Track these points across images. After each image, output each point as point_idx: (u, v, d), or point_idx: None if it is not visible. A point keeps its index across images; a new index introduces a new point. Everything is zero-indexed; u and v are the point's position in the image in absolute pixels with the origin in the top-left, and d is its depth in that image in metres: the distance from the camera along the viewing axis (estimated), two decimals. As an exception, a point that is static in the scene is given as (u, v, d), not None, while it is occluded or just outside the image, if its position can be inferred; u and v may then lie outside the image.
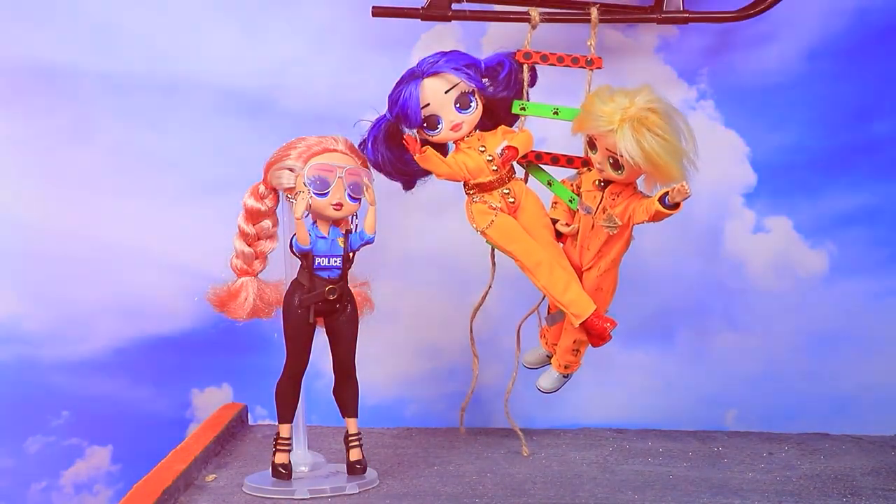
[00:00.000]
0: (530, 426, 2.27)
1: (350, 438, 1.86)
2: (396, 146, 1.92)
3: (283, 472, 1.84)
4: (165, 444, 2.04)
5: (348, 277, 1.84)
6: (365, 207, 1.83)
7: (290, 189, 1.80)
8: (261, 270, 1.91)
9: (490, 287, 2.06)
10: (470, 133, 1.90)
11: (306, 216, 1.78)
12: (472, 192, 1.92)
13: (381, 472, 1.91)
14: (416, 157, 1.87)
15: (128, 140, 2.36)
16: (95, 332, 2.38)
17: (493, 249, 2.02)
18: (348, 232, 1.83)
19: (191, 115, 2.36)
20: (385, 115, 1.91)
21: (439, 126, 1.88)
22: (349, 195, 1.80)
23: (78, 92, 2.34)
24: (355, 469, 1.85)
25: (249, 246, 1.89)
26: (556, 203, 1.99)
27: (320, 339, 1.85)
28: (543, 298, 2.04)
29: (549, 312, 2.05)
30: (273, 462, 1.85)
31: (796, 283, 2.41)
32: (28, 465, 2.38)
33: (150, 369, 2.39)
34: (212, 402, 2.39)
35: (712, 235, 2.41)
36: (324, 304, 1.81)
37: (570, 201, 1.95)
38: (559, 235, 1.97)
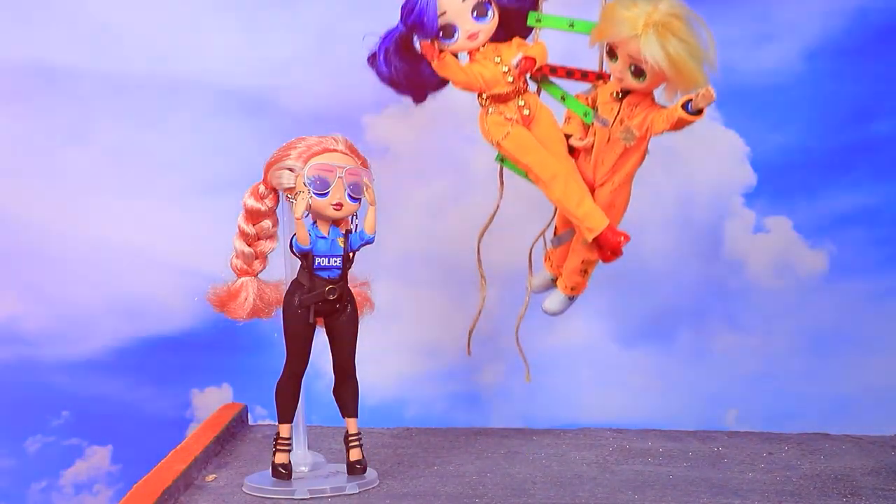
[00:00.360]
0: (530, 426, 2.27)
1: (350, 438, 1.86)
2: (410, 57, 1.91)
3: (283, 472, 1.84)
4: (165, 444, 2.04)
5: (348, 277, 1.84)
6: (365, 207, 1.83)
7: (290, 189, 1.80)
8: (261, 270, 1.91)
9: (497, 209, 2.03)
10: (485, 44, 1.90)
11: (306, 216, 1.78)
12: (486, 104, 1.91)
13: (381, 472, 1.91)
14: (435, 63, 1.86)
15: (128, 140, 2.36)
16: (95, 332, 2.38)
17: (500, 169, 2.00)
18: (348, 232, 1.83)
19: (191, 115, 2.36)
20: (397, 27, 1.89)
21: (455, 35, 1.87)
22: (349, 195, 1.79)
23: (78, 92, 2.34)
24: (355, 469, 1.85)
25: (249, 246, 1.89)
26: (569, 118, 1.96)
27: (320, 339, 1.85)
28: (551, 221, 2.03)
29: (555, 234, 2.04)
30: (273, 462, 1.85)
31: (796, 283, 2.41)
32: (28, 465, 2.39)
33: (150, 369, 2.39)
34: (212, 402, 2.39)
35: (712, 235, 2.41)
36: (324, 304, 1.81)
37: (585, 115, 1.93)
38: (572, 151, 1.95)
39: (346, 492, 1.80)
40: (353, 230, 1.84)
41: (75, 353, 2.38)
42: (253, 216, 1.88)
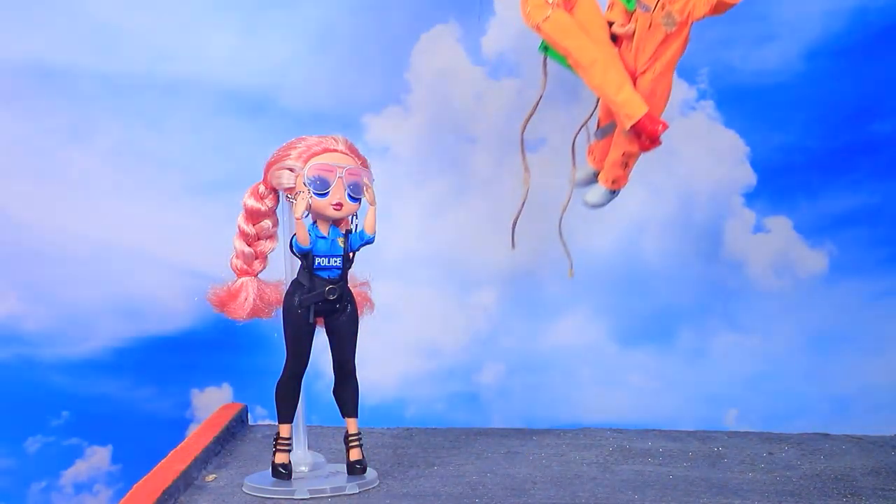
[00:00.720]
0: (530, 426, 2.27)
1: (350, 438, 1.86)
2: None
3: (283, 472, 1.84)
4: (165, 444, 2.04)
5: (348, 277, 1.84)
6: (365, 207, 1.83)
7: (290, 189, 1.80)
8: (261, 270, 1.91)
9: (541, 98, 2.01)
10: None
11: (306, 216, 1.78)
12: None
13: (381, 472, 1.91)
14: None
15: (128, 140, 2.36)
16: (95, 332, 2.38)
17: (545, 59, 1.98)
18: (348, 232, 1.83)
19: (191, 115, 2.36)
20: None
21: None
22: (349, 195, 1.79)
23: (78, 92, 2.34)
24: (355, 469, 1.85)
25: (249, 246, 1.89)
26: (612, 5, 1.95)
27: (320, 339, 1.85)
28: (593, 112, 2.02)
29: (598, 127, 2.03)
30: (273, 462, 1.85)
31: (796, 283, 2.41)
32: (28, 465, 2.38)
33: (150, 369, 2.39)
34: (212, 402, 2.39)
35: (712, 235, 2.41)
36: (324, 304, 1.81)
37: (627, 2, 1.91)
38: (615, 39, 1.93)
39: (346, 492, 1.80)
40: (353, 230, 1.83)
41: (75, 353, 2.38)
42: (253, 216, 1.88)
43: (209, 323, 2.30)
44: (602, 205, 2.04)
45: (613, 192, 2.03)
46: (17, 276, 2.37)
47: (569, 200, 2.03)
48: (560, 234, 2.05)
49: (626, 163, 1.98)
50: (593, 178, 2.06)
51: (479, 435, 2.20)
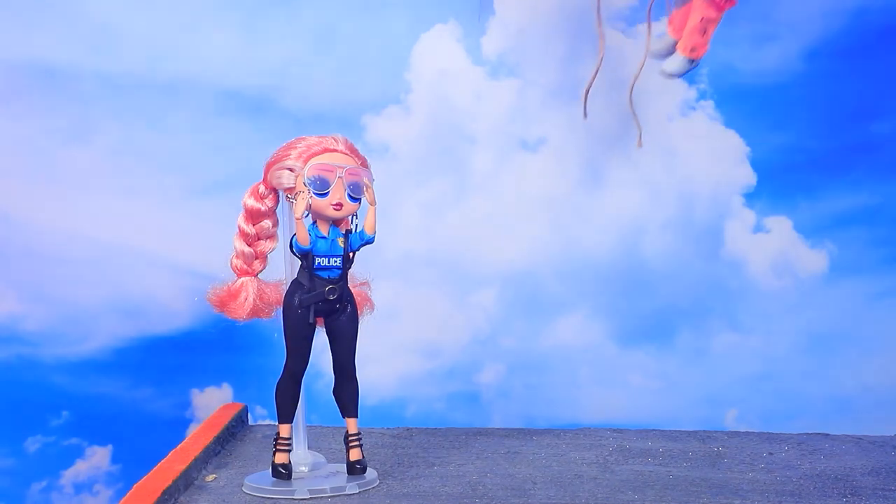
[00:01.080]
0: (530, 426, 2.27)
1: (350, 438, 1.86)
2: None
3: (283, 472, 1.84)
4: (165, 444, 2.04)
5: (348, 277, 1.84)
6: (365, 207, 1.83)
7: (290, 189, 1.80)
8: (261, 270, 1.91)
9: None
10: None
11: (306, 216, 1.78)
12: None
13: (381, 472, 1.91)
14: None
15: (128, 140, 2.36)
16: (95, 332, 2.38)
17: None
18: (348, 232, 1.83)
19: (191, 115, 2.36)
20: None
21: None
22: (349, 195, 1.79)
23: (78, 92, 2.34)
24: (355, 469, 1.85)
25: (249, 246, 1.89)
26: None
27: (320, 339, 1.85)
28: None
29: None
30: (273, 462, 1.85)
31: (796, 283, 2.41)
32: (28, 465, 2.39)
33: (150, 369, 2.39)
34: (212, 402, 2.39)
35: (712, 235, 2.41)
36: (324, 304, 1.81)
37: None
38: None
39: (346, 492, 1.80)
40: (353, 230, 1.83)
41: (75, 353, 2.38)
42: (253, 216, 1.88)
43: (209, 323, 2.29)
44: (680, 74, 2.03)
45: (692, 62, 2.01)
46: (17, 276, 2.37)
47: (641, 69, 2.02)
48: (630, 103, 2.03)
49: (706, 29, 1.96)
50: (672, 48, 2.04)
51: (479, 435, 2.20)
